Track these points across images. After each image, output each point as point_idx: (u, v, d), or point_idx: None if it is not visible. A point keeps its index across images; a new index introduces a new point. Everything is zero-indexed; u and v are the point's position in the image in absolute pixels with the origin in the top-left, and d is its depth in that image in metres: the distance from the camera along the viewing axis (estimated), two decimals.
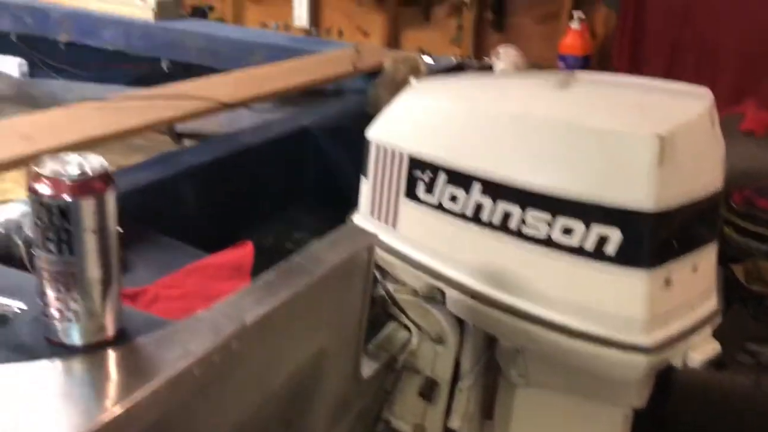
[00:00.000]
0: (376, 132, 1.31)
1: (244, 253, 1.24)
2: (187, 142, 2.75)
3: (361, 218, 1.33)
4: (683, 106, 1.09)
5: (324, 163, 2.09)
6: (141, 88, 3.10)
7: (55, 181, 0.60)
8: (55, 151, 1.20)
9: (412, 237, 1.23)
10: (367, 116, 2.21)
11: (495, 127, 1.12)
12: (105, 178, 0.62)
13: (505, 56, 1.99)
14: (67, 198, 0.60)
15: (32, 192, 0.60)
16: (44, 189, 0.60)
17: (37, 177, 0.60)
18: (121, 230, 0.64)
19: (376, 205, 1.29)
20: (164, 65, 3.06)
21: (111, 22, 3.08)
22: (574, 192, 1.00)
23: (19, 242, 0.99)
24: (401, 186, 1.25)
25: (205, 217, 1.66)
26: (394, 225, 1.26)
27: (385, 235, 1.25)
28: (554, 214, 1.01)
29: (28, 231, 1.04)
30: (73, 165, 0.61)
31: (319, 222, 2.03)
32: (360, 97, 2.29)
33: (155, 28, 3.00)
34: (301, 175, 2.05)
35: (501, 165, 1.07)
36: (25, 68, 3.52)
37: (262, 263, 1.41)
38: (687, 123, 1.02)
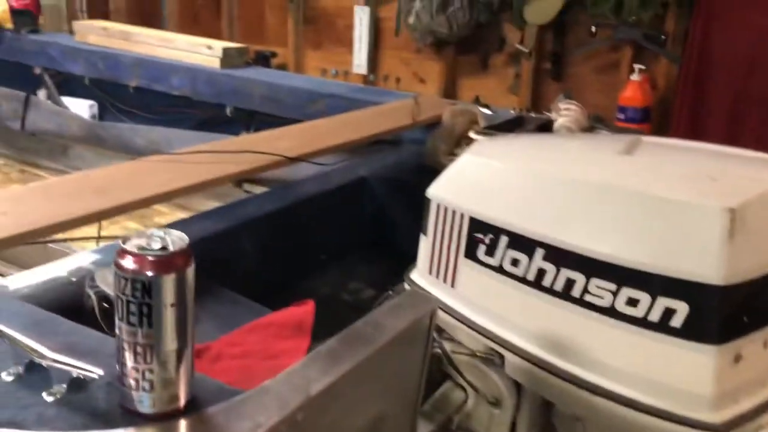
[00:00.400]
0: (437, 191, 1.31)
1: (305, 311, 1.25)
2: (247, 186, 2.82)
3: (419, 275, 1.33)
4: (755, 175, 1.07)
5: (381, 214, 2.10)
6: (205, 132, 3.24)
7: (139, 257, 0.62)
8: (125, 207, 1.26)
9: (471, 298, 1.22)
10: (424, 168, 2.24)
11: (559, 191, 1.12)
12: (186, 253, 0.65)
13: (566, 112, 1.99)
14: (149, 274, 0.62)
15: (117, 267, 0.63)
16: (129, 264, 0.62)
17: (123, 252, 0.63)
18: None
19: (435, 264, 1.29)
20: (228, 111, 3.16)
21: (179, 69, 3.21)
22: (639, 262, 0.98)
23: (92, 295, 1.02)
24: (461, 246, 1.25)
25: (264, 265, 1.69)
26: (452, 284, 1.25)
27: (444, 295, 1.25)
28: (619, 284, 0.99)
29: (100, 282, 1.08)
30: (157, 241, 0.64)
31: (376, 273, 2.04)
32: (418, 148, 2.31)
33: (220, 76, 3.11)
34: (358, 225, 2.07)
35: (565, 231, 1.06)
36: (96, 110, 3.68)
37: (318, 313, 1.43)
38: (759, 195, 1.00)
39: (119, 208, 1.21)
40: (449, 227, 1.28)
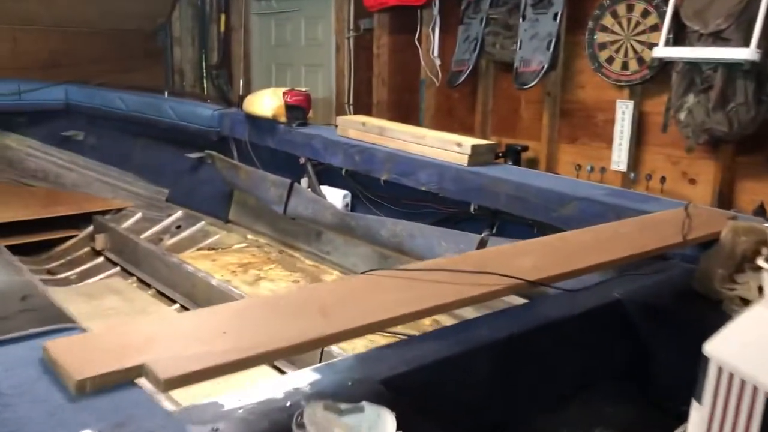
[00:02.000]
0: (720, 348, 1.02)
1: None
2: None
3: None
4: None
5: (637, 345, 1.79)
6: (447, 228, 3.16)
7: None
8: (348, 334, 1.16)
9: None
10: (694, 294, 1.88)
11: None
12: None
13: None
14: None
15: None
16: None
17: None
18: None
19: None
20: (472, 208, 3.06)
21: (428, 165, 3.19)
22: None
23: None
24: (753, 428, 0.94)
25: (491, 399, 1.48)
26: None
27: None
28: None
29: (308, 423, 0.95)
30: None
31: (627, 416, 1.72)
32: (687, 268, 1.96)
33: (467, 173, 3.03)
34: (608, 356, 1.77)
35: None
36: (349, 200, 3.82)
37: None
38: None
39: (341, 335, 1.11)
40: (735, 402, 0.97)
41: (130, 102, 5.12)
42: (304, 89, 4.06)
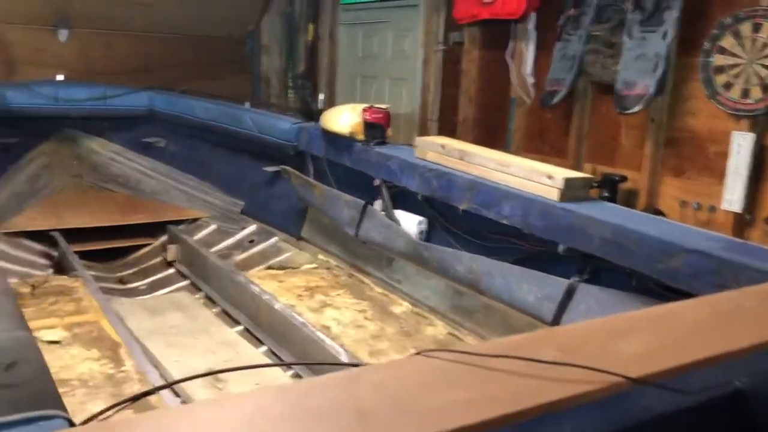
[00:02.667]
0: None
1: None
2: None
3: None
4: None
5: None
6: (531, 270, 2.82)
7: None
8: None
9: None
10: None
11: None
12: None
13: None
14: None
15: None
16: None
17: None
18: None
19: None
20: (560, 249, 2.70)
21: (512, 197, 2.87)
22: None
23: None
24: None
25: None
26: None
27: None
28: None
29: None
30: None
31: None
32: None
33: (557, 209, 2.68)
34: None
35: None
36: (424, 227, 3.54)
37: None
38: None
39: None
40: None
41: (211, 111, 5.04)
42: (384, 106, 3.82)
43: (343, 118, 3.82)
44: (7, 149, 4.99)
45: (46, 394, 1.24)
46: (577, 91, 4.36)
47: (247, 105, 4.98)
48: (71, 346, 2.86)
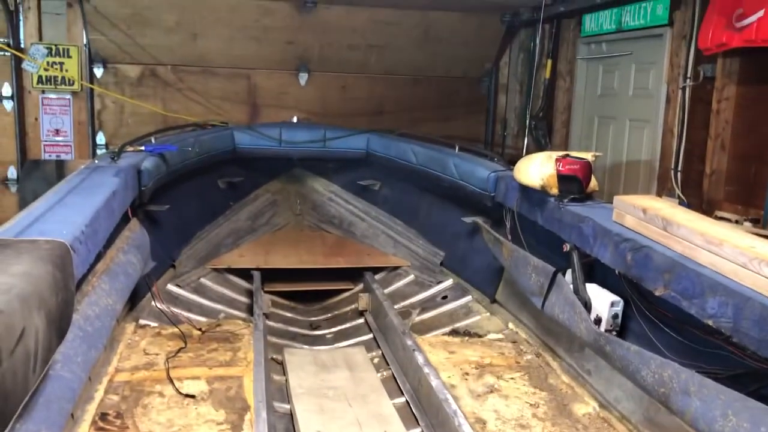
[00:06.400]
0: None
1: None
2: None
3: None
4: None
5: None
6: (742, 394, 1.99)
7: None
8: None
9: None
10: None
11: None
12: None
13: None
14: None
15: None
16: None
17: None
18: None
19: None
20: None
21: (719, 289, 2.07)
22: None
23: None
24: None
25: None
26: None
27: None
28: None
29: None
30: None
31: None
32: None
33: None
34: None
35: None
36: (620, 309, 2.81)
37: None
38: None
39: None
40: None
41: (420, 155, 4.78)
42: (584, 156, 3.16)
43: (534, 169, 3.24)
44: (233, 187, 5.26)
45: None
46: None
47: (456, 149, 4.60)
48: (204, 402, 2.73)
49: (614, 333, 2.80)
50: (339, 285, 4.83)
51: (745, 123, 3.95)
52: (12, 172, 5.69)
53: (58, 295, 1.95)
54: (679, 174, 4.38)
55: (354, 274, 4.85)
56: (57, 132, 5.73)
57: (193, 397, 2.77)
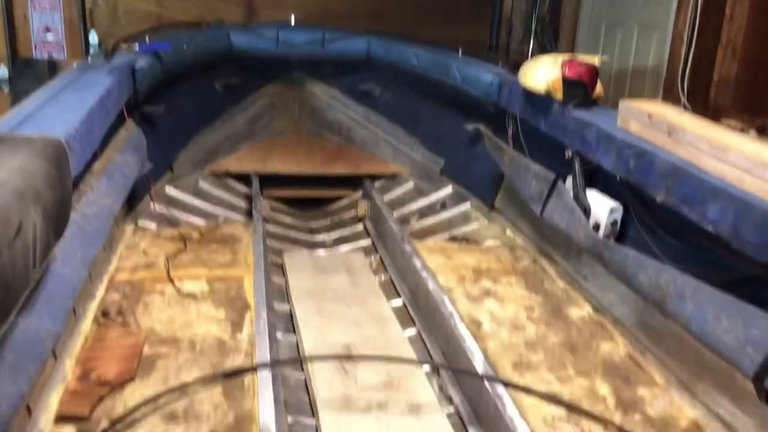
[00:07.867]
0: None
1: None
2: None
3: None
4: None
5: None
6: (736, 299, 2.01)
7: None
8: None
9: None
10: None
11: None
12: None
13: None
14: None
15: None
16: None
17: None
18: None
19: None
20: None
21: (721, 195, 2.05)
22: None
23: None
24: None
25: None
26: None
27: None
28: None
29: None
30: None
31: None
32: None
33: None
34: None
35: None
36: (618, 216, 2.81)
37: None
38: None
39: None
40: None
41: (422, 59, 4.64)
42: (591, 59, 3.07)
43: (540, 73, 3.16)
44: (230, 90, 5.15)
45: None
46: None
47: (459, 53, 4.47)
48: (204, 301, 2.76)
49: (612, 239, 2.80)
50: (338, 192, 4.82)
51: (759, 28, 3.82)
52: (3, 72, 5.56)
53: (54, 192, 1.93)
54: (686, 82, 4.29)
55: (353, 181, 4.83)
56: (47, 30, 5.56)
57: (193, 296, 2.81)
